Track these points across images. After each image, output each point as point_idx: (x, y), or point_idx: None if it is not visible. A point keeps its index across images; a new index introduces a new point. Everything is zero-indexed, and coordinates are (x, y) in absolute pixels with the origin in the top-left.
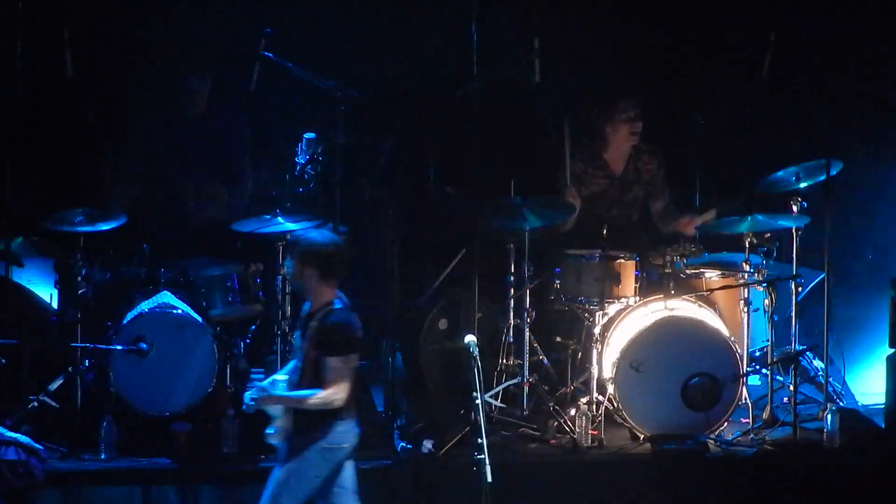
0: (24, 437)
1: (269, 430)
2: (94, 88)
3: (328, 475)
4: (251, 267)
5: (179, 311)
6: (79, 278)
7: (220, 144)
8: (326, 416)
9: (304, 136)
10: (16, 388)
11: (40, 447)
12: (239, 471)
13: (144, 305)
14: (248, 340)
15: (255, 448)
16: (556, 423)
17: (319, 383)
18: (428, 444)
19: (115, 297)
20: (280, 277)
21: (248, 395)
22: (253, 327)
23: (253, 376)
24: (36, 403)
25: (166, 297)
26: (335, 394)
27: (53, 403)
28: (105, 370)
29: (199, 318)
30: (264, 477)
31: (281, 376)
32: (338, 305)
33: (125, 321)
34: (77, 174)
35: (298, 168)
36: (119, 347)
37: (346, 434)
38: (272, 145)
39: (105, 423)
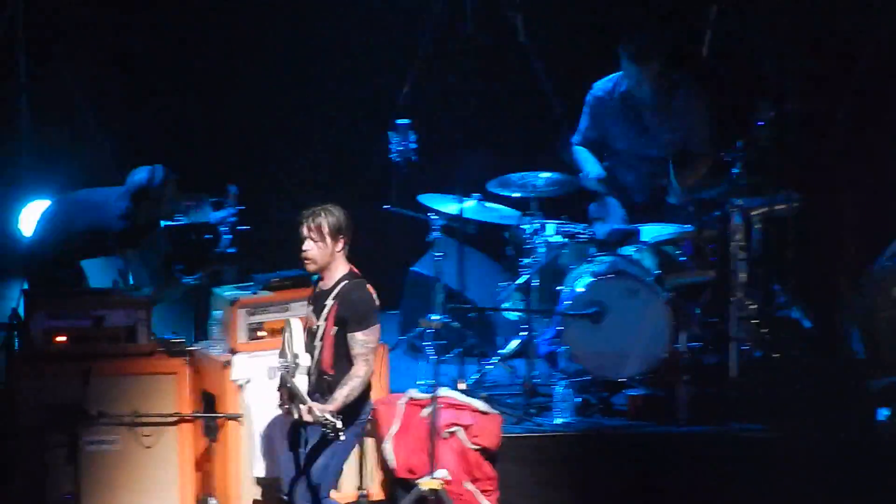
0: (480, 401)
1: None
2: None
3: None
4: (704, 232)
5: (633, 277)
6: (535, 241)
7: (679, 117)
8: (363, 394)
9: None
10: (471, 352)
11: (495, 411)
12: (695, 437)
13: (598, 271)
14: (701, 306)
15: (708, 415)
16: None
17: (343, 360)
18: (883, 414)
19: (567, 262)
20: (733, 244)
21: (324, 424)
22: (705, 293)
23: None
24: (492, 366)
25: (620, 262)
26: (368, 368)
27: (511, 367)
28: (559, 335)
29: (654, 284)
30: (720, 444)
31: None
32: (352, 278)
33: (580, 286)
34: (530, 137)
35: (756, 133)
36: (574, 312)
37: (369, 408)
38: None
39: (560, 387)
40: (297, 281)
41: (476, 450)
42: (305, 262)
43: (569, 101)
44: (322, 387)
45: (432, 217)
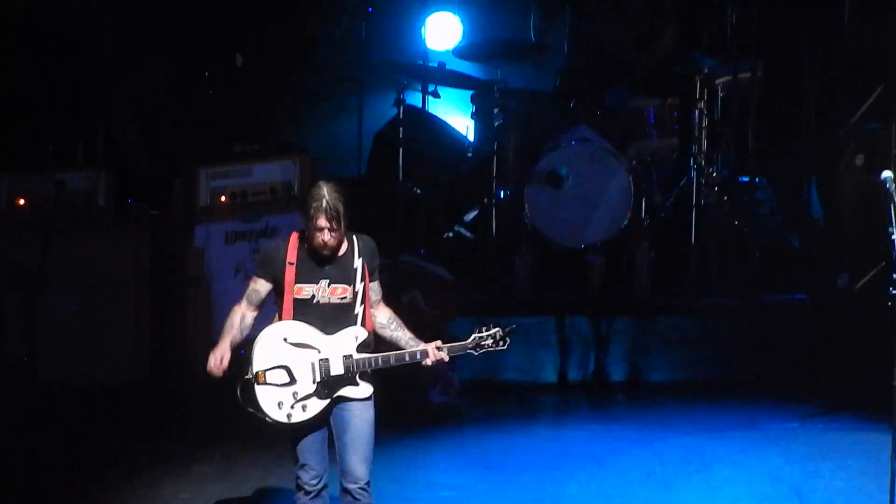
0: (440, 268)
1: None
2: None
3: None
4: (668, 100)
5: (596, 144)
6: (495, 110)
7: None
8: None
9: None
10: (432, 219)
11: (453, 277)
12: (651, 304)
13: (561, 138)
14: (663, 173)
15: (666, 282)
16: None
17: (375, 308)
18: (843, 279)
19: (530, 129)
20: (697, 111)
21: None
22: (667, 160)
23: None
24: (451, 234)
25: (583, 130)
26: None
27: (468, 234)
28: (521, 202)
29: (616, 151)
30: (677, 308)
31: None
32: (354, 232)
33: (541, 154)
34: None
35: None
36: (535, 179)
37: None
38: None
39: (520, 255)
40: (260, 151)
41: (434, 314)
42: (324, 250)
43: None
44: (365, 349)
45: None
